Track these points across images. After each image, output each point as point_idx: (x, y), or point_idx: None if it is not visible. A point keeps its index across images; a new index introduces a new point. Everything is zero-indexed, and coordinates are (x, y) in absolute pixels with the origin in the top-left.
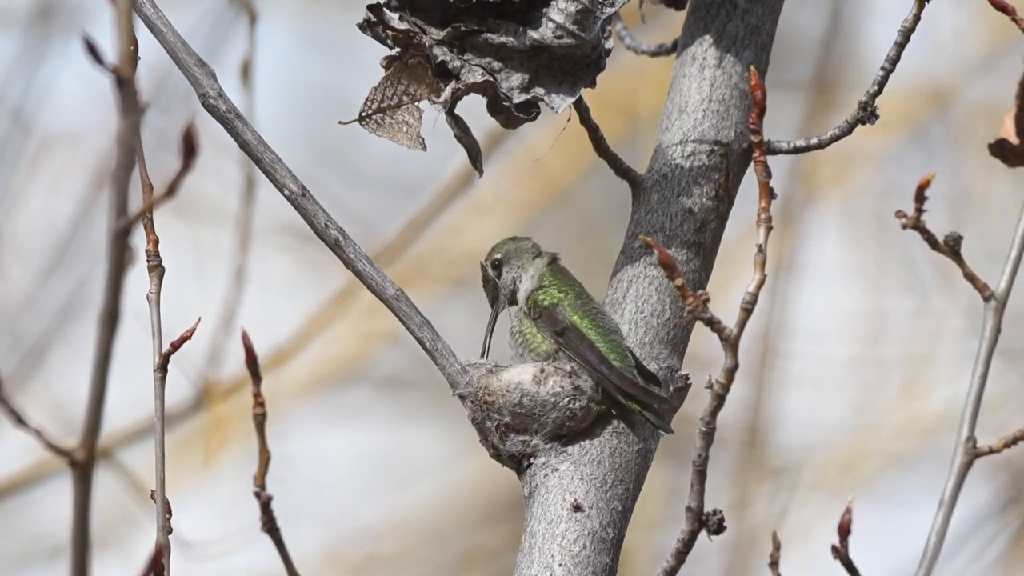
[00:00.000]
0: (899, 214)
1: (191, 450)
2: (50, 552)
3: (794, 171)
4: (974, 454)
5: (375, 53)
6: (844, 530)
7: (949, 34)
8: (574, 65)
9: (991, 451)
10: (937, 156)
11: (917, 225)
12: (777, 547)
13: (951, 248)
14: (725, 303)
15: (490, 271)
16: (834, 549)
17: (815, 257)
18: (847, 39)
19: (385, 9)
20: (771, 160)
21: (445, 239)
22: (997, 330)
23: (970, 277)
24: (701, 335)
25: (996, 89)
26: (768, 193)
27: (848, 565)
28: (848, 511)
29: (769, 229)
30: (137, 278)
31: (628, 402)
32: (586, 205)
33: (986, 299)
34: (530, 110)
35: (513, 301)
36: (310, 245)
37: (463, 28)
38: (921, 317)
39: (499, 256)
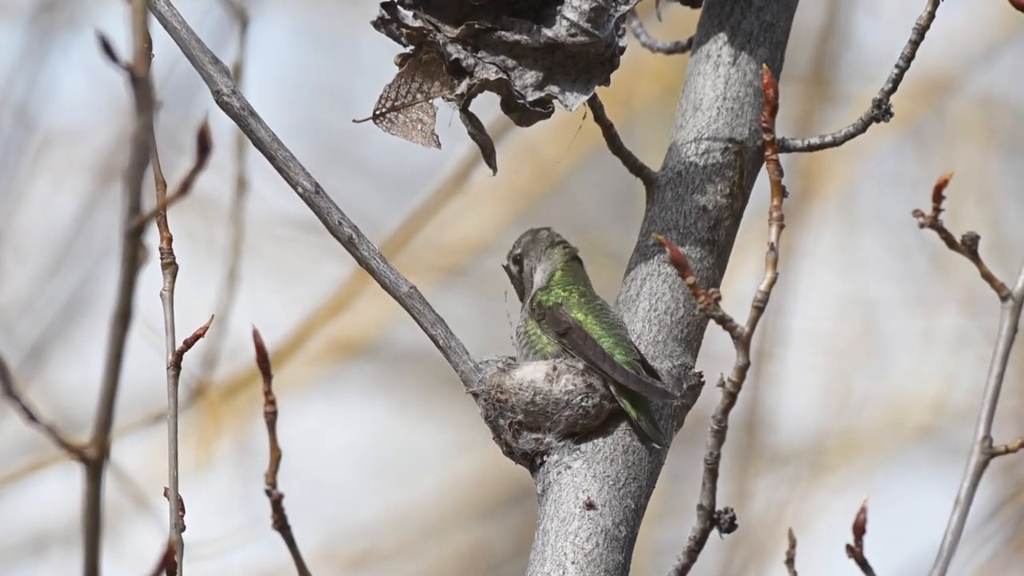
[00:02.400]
0: (916, 213)
1: (185, 445)
2: (37, 545)
3: (792, 163)
4: (990, 453)
5: (376, 48)
6: (859, 529)
7: (946, 28)
8: (588, 63)
9: (1007, 451)
10: (934, 150)
11: (935, 224)
12: (793, 544)
13: (968, 247)
14: (727, 293)
15: (512, 268)
16: (849, 548)
17: (814, 248)
18: (843, 31)
19: (399, 7)
20: None
21: (441, 229)
22: (1014, 329)
23: (987, 277)
24: (712, 331)
25: (993, 83)
26: (780, 191)
27: (863, 564)
28: (863, 510)
29: (781, 227)
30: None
31: (625, 403)
32: (583, 195)
33: (1003, 298)
34: (544, 107)
35: (529, 292)
36: (307, 238)
37: (477, 26)
38: (918, 307)
39: (518, 251)
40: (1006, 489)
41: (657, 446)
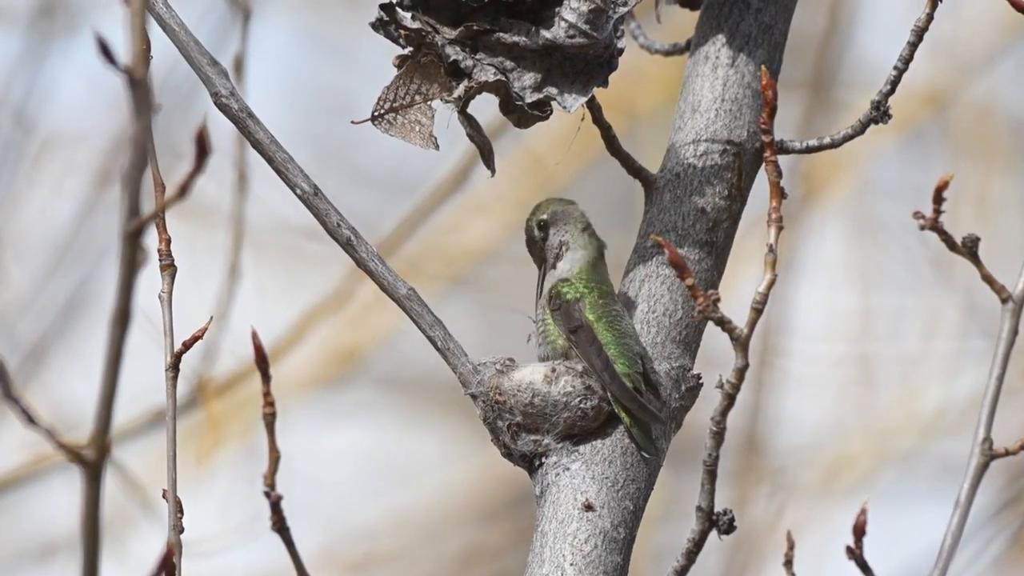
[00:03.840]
0: (917, 215)
1: (185, 447)
2: (42, 551)
3: (793, 170)
4: (990, 455)
5: (375, 52)
6: (859, 531)
7: (947, 34)
8: (586, 65)
9: (1007, 453)
10: (934, 156)
11: (935, 226)
12: (791, 547)
13: (969, 249)
14: (729, 299)
15: (536, 232)
16: (849, 550)
17: (814, 256)
18: (844, 37)
19: (398, 8)
20: None
21: (443, 237)
22: (1014, 332)
23: (988, 279)
24: (711, 334)
25: (993, 89)
26: (779, 193)
27: (863, 566)
28: (863, 512)
29: (780, 229)
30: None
31: (621, 413)
32: (585, 203)
33: (1003, 301)
34: (543, 109)
35: (555, 265)
36: (306, 242)
37: (475, 27)
38: (919, 315)
39: (545, 217)
40: (1008, 494)
41: (647, 455)
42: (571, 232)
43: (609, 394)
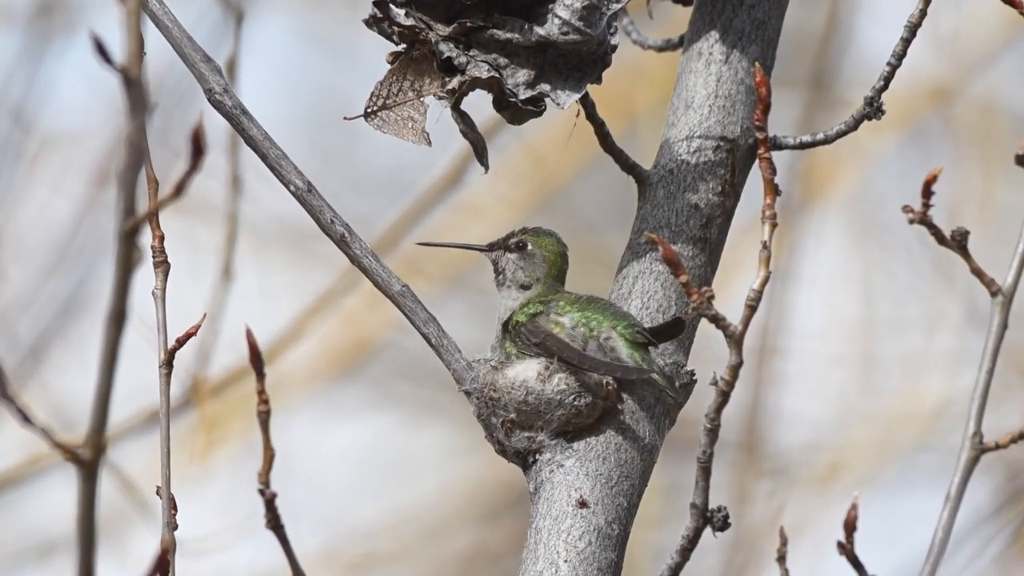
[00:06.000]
0: (906, 209)
1: (182, 447)
2: (42, 550)
3: (792, 168)
4: (980, 449)
5: (373, 51)
6: (850, 526)
7: (948, 32)
8: (580, 61)
9: (997, 447)
10: (935, 155)
11: (924, 220)
12: (784, 542)
13: (958, 243)
14: (726, 298)
15: (511, 240)
16: (840, 545)
17: (813, 255)
18: (843, 35)
19: (391, 5)
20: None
21: (441, 237)
22: (1004, 325)
23: (977, 272)
24: (705, 332)
25: (995, 87)
26: (773, 190)
27: (854, 561)
28: (854, 507)
29: (774, 226)
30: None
31: (636, 355)
32: (583, 202)
33: (993, 294)
34: (536, 106)
35: (496, 272)
36: (305, 239)
37: (469, 24)
38: (919, 314)
39: (529, 245)
40: (1008, 491)
41: (671, 398)
42: (529, 275)
43: (607, 373)
